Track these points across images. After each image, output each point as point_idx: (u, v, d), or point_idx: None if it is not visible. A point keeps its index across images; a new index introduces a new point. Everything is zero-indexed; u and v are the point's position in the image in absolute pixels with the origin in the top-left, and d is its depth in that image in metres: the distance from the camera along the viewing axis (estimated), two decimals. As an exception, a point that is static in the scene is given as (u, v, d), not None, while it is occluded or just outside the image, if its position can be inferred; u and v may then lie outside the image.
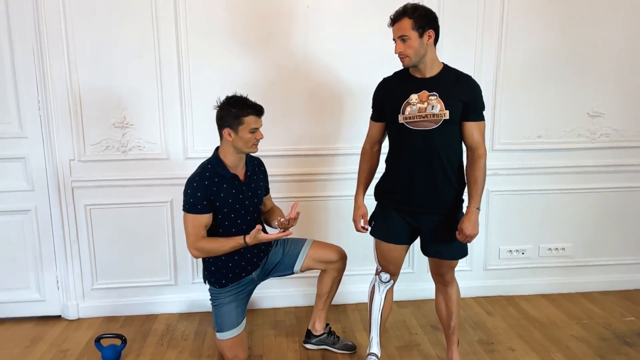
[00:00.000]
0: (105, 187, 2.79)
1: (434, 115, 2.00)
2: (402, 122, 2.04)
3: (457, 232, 2.08)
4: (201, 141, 2.78)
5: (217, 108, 2.21)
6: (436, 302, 2.32)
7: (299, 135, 2.85)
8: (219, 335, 2.37)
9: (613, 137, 3.01)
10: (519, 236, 3.10)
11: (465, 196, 2.14)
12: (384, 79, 2.19)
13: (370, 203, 2.28)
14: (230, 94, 2.22)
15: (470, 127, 2.06)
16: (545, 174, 3.01)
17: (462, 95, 2.02)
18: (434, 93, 2.01)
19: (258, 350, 2.56)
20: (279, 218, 2.29)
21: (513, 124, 2.95)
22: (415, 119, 2.02)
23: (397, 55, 2.02)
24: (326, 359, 2.47)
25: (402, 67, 2.09)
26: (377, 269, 2.29)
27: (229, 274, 2.36)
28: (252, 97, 2.23)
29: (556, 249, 3.13)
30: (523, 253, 3.12)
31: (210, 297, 2.43)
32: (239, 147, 2.21)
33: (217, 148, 2.31)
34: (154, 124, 2.76)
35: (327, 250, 2.50)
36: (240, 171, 2.31)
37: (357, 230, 2.28)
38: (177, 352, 2.55)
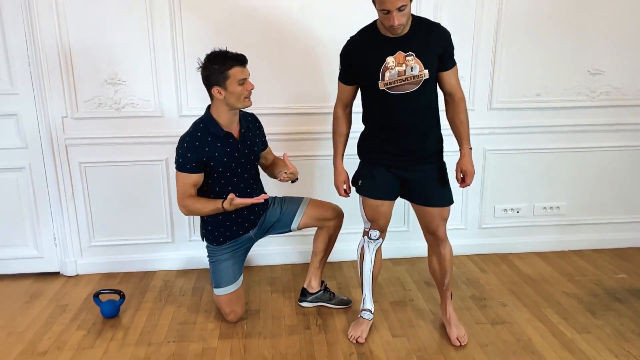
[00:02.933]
0: (99, 145, 2.76)
1: (414, 77, 1.97)
2: (383, 88, 1.99)
3: (458, 176, 2.13)
4: (196, 99, 2.73)
5: (201, 69, 2.15)
6: (430, 263, 2.34)
7: (296, 93, 2.81)
8: (217, 291, 2.41)
9: (613, 96, 2.97)
10: (515, 195, 3.11)
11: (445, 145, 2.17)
12: (352, 39, 2.09)
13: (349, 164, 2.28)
14: (209, 51, 2.15)
15: (448, 75, 2.06)
16: (543, 133, 2.99)
17: (437, 48, 1.99)
18: (410, 53, 1.96)
19: (255, 306, 2.60)
20: (282, 171, 2.29)
21: (512, 82, 2.90)
22: (396, 84, 1.98)
23: (390, 26, 1.89)
24: (322, 314, 2.51)
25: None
26: (364, 230, 2.29)
27: (227, 232, 2.37)
28: (247, 53, 2.17)
29: (551, 207, 3.14)
30: (518, 212, 3.14)
31: (207, 254, 2.45)
32: (232, 103, 2.17)
33: (209, 107, 2.27)
34: (147, 80, 2.71)
35: (324, 208, 2.51)
36: (234, 129, 2.28)
37: (340, 195, 2.29)
38: (176, 307, 2.60)
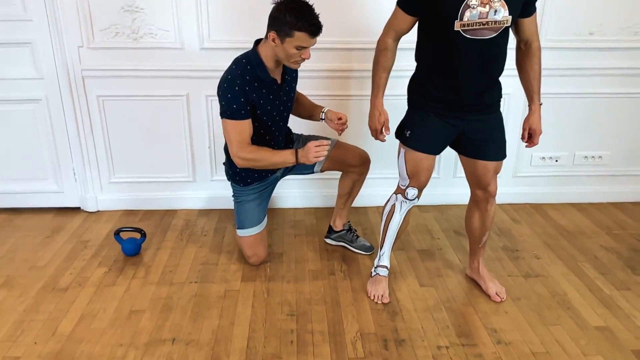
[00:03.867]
0: (117, 77, 2.62)
1: (495, 22, 1.72)
2: (458, 29, 1.74)
3: (525, 134, 1.96)
4: (218, 30, 2.55)
5: (275, 4, 1.91)
6: (469, 219, 2.16)
7: (352, 26, 2.57)
8: (240, 232, 2.33)
9: (674, 36, 2.70)
10: (554, 143, 2.91)
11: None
12: None
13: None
14: None
15: (529, 21, 1.83)
16: (592, 76, 2.75)
17: None
18: None
19: (278, 249, 2.53)
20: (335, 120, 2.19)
21: (563, 18, 2.63)
22: (474, 27, 1.73)
23: None
24: (345, 258, 2.44)
25: None
26: (399, 187, 2.09)
27: (255, 174, 2.26)
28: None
29: (592, 157, 2.95)
30: (557, 160, 2.96)
31: (233, 194, 2.36)
32: (280, 58, 1.98)
33: (258, 43, 2.06)
34: (166, 8, 2.52)
35: (349, 153, 2.37)
36: (278, 74, 2.10)
37: (377, 138, 2.03)
38: (197, 247, 2.54)
